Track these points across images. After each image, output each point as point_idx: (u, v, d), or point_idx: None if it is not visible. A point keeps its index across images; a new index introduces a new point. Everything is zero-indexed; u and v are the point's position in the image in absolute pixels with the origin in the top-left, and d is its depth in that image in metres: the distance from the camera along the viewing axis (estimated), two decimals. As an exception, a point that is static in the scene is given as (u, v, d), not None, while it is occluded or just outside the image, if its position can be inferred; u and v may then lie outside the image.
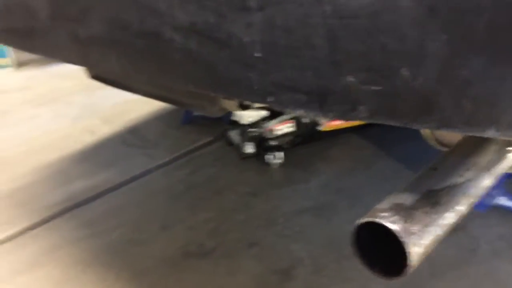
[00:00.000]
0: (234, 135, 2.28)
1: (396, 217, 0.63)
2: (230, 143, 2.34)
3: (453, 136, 0.88)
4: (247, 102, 1.13)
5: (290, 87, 0.70)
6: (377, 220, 0.63)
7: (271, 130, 2.18)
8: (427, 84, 0.59)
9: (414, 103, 0.61)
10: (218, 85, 0.78)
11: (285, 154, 2.22)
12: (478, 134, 0.59)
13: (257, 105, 1.16)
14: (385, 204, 0.67)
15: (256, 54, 0.70)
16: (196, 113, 2.71)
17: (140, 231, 1.83)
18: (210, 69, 0.77)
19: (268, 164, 2.19)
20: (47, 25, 1.02)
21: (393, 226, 0.62)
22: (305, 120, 2.24)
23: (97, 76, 1.52)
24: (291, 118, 2.21)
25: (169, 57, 0.81)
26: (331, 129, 2.33)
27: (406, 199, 0.67)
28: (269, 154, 2.18)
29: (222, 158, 2.32)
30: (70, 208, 2.00)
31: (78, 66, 1.08)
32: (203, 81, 0.80)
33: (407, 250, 0.61)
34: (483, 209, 1.75)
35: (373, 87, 0.63)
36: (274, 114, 2.20)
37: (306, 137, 2.28)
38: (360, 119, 0.66)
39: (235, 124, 2.28)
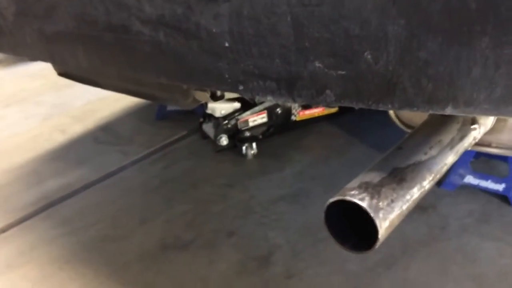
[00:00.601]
0: (208, 128, 2.29)
1: (364, 194, 0.66)
2: (205, 136, 2.36)
3: (417, 117, 0.92)
4: (219, 93, 1.14)
5: (260, 74, 0.72)
6: (347, 198, 0.66)
7: (244, 122, 2.20)
8: (389, 66, 0.62)
9: (377, 85, 0.64)
10: (189, 76, 0.80)
11: (259, 145, 2.25)
12: (438, 112, 0.63)
13: (229, 95, 1.18)
14: (354, 183, 0.70)
15: (225, 44, 0.72)
16: (170, 108, 2.71)
17: (117, 227, 1.83)
18: (180, 61, 0.78)
19: (243, 156, 2.22)
20: (13, 23, 1.02)
21: (362, 202, 0.65)
22: (278, 110, 2.26)
23: (65, 73, 1.51)
24: (264, 109, 2.24)
25: (138, 50, 0.82)
26: (305, 118, 2.37)
27: (374, 177, 0.70)
28: (244, 145, 2.20)
29: (197, 152, 2.33)
30: (45, 207, 1.98)
31: (45, 62, 1.07)
32: (174, 73, 0.81)
33: (376, 225, 0.64)
34: (452, 188, 1.82)
35: (339, 72, 0.65)
36: (247, 106, 2.22)
37: (280, 127, 2.31)
38: (327, 103, 0.69)
39: (209, 117, 2.30)
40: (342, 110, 2.41)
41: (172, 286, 1.53)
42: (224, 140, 2.19)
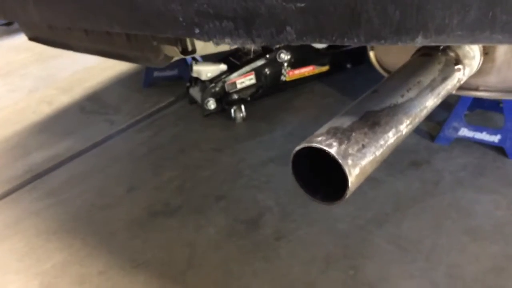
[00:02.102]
0: (195, 92, 2.22)
1: (332, 140, 0.61)
2: (192, 101, 2.29)
3: (400, 62, 0.86)
4: (190, 47, 1.08)
5: (215, 14, 0.65)
6: (313, 144, 0.61)
7: (232, 84, 2.14)
8: (351, -7, 0.55)
9: (340, 17, 0.57)
10: (143, 22, 0.73)
11: (249, 107, 2.18)
12: (408, 44, 0.56)
13: (202, 50, 1.11)
14: (323, 129, 0.64)
15: (175, -18, 0.65)
16: (157, 75, 2.64)
17: (105, 195, 1.79)
18: (132, 5, 0.71)
19: (232, 119, 2.16)
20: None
21: (329, 148, 0.59)
22: (267, 71, 2.19)
23: (35, 37, 1.44)
24: (252, 70, 2.16)
25: (88, -3, 0.75)
26: (294, 78, 2.29)
27: (344, 122, 0.65)
28: (232, 108, 2.13)
29: (185, 117, 2.27)
30: (31, 179, 1.94)
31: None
32: (126, 20, 0.75)
33: (345, 172, 0.59)
34: (447, 142, 1.76)
35: (298, 4, 0.59)
36: (234, 68, 2.15)
37: (269, 88, 2.24)
38: (289, 41, 0.62)
39: (196, 81, 2.23)
40: (333, 69, 2.34)
41: (160, 252, 1.50)
42: (211, 104, 2.12)
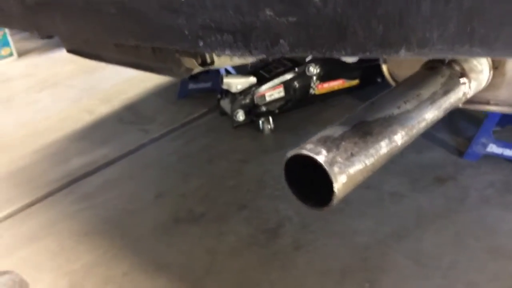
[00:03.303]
0: (225, 104, 2.28)
1: (321, 148, 0.63)
2: (223, 113, 2.35)
3: (409, 73, 0.87)
4: (209, 59, 1.13)
5: (216, 28, 0.69)
6: (303, 152, 0.63)
7: (261, 96, 2.18)
8: (337, 8, 0.58)
9: (328, 30, 0.60)
10: (154, 35, 0.78)
11: (277, 120, 2.22)
12: (392, 56, 0.58)
13: (220, 63, 1.16)
14: (314, 137, 0.67)
15: (181, -2, 0.70)
16: (191, 87, 2.73)
17: (134, 201, 1.87)
18: (144, 20, 0.77)
19: (260, 131, 2.20)
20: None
21: (317, 156, 0.62)
22: (296, 84, 2.22)
23: (72, 49, 1.54)
24: (281, 83, 2.20)
25: (105, 12, 0.81)
26: (324, 92, 2.31)
27: (335, 131, 0.67)
28: (260, 120, 2.17)
29: (216, 128, 2.33)
30: (68, 184, 2.05)
31: (31, 32, 1.09)
32: (140, 33, 0.80)
33: (331, 178, 0.61)
34: (475, 158, 1.73)
35: (290, 19, 0.62)
36: (263, 80, 2.19)
37: (298, 101, 2.27)
38: (283, 53, 0.66)
39: (226, 93, 2.29)
40: (364, 83, 2.34)
41: (182, 257, 1.54)
42: (240, 116, 2.17)
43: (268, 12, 0.63)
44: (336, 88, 2.31)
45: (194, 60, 1.10)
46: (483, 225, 1.46)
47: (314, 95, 2.28)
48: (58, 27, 0.94)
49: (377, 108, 0.72)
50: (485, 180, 1.64)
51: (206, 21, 0.70)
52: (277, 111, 2.21)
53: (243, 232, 1.61)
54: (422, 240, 1.44)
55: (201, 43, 0.73)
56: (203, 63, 1.13)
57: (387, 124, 0.69)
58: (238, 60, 1.20)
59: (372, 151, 0.66)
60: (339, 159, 0.63)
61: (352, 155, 0.64)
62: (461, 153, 1.78)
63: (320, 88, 2.27)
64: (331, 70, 2.26)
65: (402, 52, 0.57)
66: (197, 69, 1.18)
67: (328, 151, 0.63)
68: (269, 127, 2.18)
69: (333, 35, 0.60)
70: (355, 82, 2.33)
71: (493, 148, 1.68)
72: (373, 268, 1.38)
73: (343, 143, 0.64)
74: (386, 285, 1.31)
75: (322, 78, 2.26)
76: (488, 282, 1.27)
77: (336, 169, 0.62)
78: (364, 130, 0.67)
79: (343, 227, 1.54)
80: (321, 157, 0.62)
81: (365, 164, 0.65)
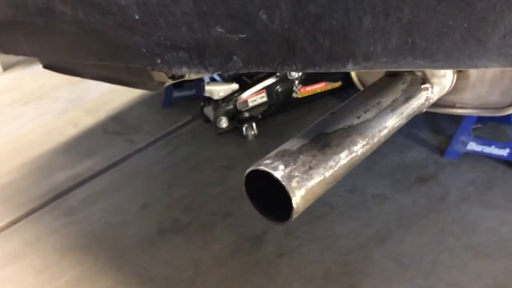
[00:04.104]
0: (208, 111, 2.28)
1: (278, 163, 0.63)
2: (207, 120, 2.35)
3: (377, 78, 0.87)
4: (177, 73, 1.13)
5: (172, 45, 0.70)
6: (260, 167, 0.64)
7: (243, 102, 2.18)
8: (284, 24, 0.58)
9: (278, 46, 0.61)
10: (114, 54, 0.78)
11: (261, 125, 2.22)
12: (340, 70, 0.59)
13: (192, 76, 1.16)
14: (272, 153, 0.67)
15: (135, 17, 0.70)
16: (176, 95, 2.73)
17: (119, 213, 1.86)
18: (103, 39, 0.77)
19: (244, 137, 2.20)
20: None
21: (274, 171, 0.62)
22: (278, 88, 2.23)
23: (48, 65, 1.53)
24: (263, 88, 2.20)
25: (66, 32, 0.81)
26: (306, 95, 2.32)
27: (294, 145, 0.67)
28: (244, 126, 2.18)
29: (200, 136, 2.33)
30: (52, 199, 2.04)
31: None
32: (100, 52, 0.80)
33: (288, 193, 0.61)
34: (456, 157, 1.74)
35: (240, 35, 0.62)
36: (245, 86, 2.20)
37: (281, 105, 2.27)
38: (236, 69, 0.66)
39: (209, 100, 2.29)
40: (346, 84, 2.34)
41: (166, 269, 1.54)
42: (224, 123, 2.17)
43: (219, 29, 0.63)
44: (318, 90, 2.32)
45: (164, 74, 1.10)
46: (463, 224, 1.47)
47: (297, 98, 2.29)
48: (21, 47, 0.94)
49: (336, 119, 0.72)
50: (466, 178, 1.64)
51: (161, 39, 0.70)
52: (260, 116, 2.21)
53: (227, 240, 1.61)
54: (404, 241, 1.45)
55: (158, 61, 0.73)
56: (174, 76, 1.13)
57: (346, 135, 0.70)
58: (201, 74, 1.20)
59: (331, 163, 0.66)
60: (296, 173, 0.63)
61: (310, 168, 0.64)
62: (442, 152, 1.79)
63: (302, 91, 2.28)
64: (313, 73, 2.27)
65: (350, 66, 0.57)
66: (169, 82, 1.18)
67: (286, 165, 0.63)
68: (252, 132, 2.18)
69: (283, 51, 0.61)
70: (337, 84, 2.33)
71: (473, 146, 1.69)
72: (356, 272, 1.38)
73: (301, 156, 0.65)
74: (369, 288, 1.32)
75: (305, 81, 2.26)
76: (470, 281, 1.27)
77: (294, 183, 0.62)
78: (323, 142, 0.67)
79: (327, 232, 1.55)
80: (278, 172, 0.62)
81: (324, 176, 0.65)
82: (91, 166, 2.25)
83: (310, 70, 0.61)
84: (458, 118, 1.80)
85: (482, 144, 1.66)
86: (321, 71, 0.60)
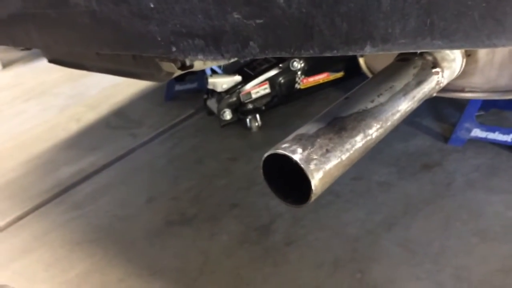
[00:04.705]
0: (212, 104, 2.29)
1: (296, 146, 0.64)
2: (210, 113, 2.36)
3: (385, 65, 0.88)
4: (188, 62, 1.13)
5: (187, 33, 0.70)
6: (279, 151, 0.64)
7: (247, 94, 2.19)
8: (301, 9, 0.59)
9: (295, 31, 0.61)
10: (128, 43, 0.79)
11: (264, 116, 2.23)
12: (358, 53, 0.59)
13: (199, 66, 1.17)
14: (290, 136, 0.68)
15: (150, 5, 0.71)
16: (178, 88, 2.73)
17: (126, 206, 1.87)
18: (116, 28, 0.78)
19: (248, 128, 2.21)
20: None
21: (292, 154, 0.63)
22: (281, 80, 2.23)
23: (54, 59, 1.53)
24: (266, 80, 2.21)
25: (79, 23, 0.82)
26: (309, 86, 2.32)
27: (310, 129, 0.68)
28: (247, 118, 2.18)
29: (204, 128, 2.34)
30: (58, 193, 2.05)
31: (6, 45, 1.09)
32: (114, 42, 0.81)
33: (307, 175, 0.62)
34: (460, 143, 1.75)
35: (257, 21, 0.63)
36: (248, 78, 2.20)
37: (284, 97, 2.28)
38: (254, 55, 0.66)
39: (212, 93, 2.29)
40: (348, 75, 2.35)
41: (176, 260, 1.55)
42: (227, 115, 2.18)
43: (236, 15, 0.64)
44: (321, 81, 2.32)
45: (173, 65, 1.11)
46: (469, 209, 1.48)
47: (300, 89, 2.29)
48: (33, 39, 0.94)
49: (351, 103, 0.73)
50: (470, 165, 1.66)
51: (176, 27, 0.71)
52: (263, 107, 2.22)
53: (235, 230, 1.62)
54: (411, 227, 1.46)
55: (173, 49, 0.74)
56: (183, 66, 1.13)
57: (361, 118, 0.71)
58: (217, 62, 1.21)
59: (347, 146, 0.67)
60: (314, 156, 0.64)
61: (327, 151, 0.65)
62: (446, 139, 1.80)
63: (305, 82, 2.29)
64: (315, 64, 2.27)
65: (368, 49, 0.58)
66: (177, 72, 1.18)
67: (304, 148, 0.64)
68: (256, 124, 2.19)
69: (300, 35, 0.61)
70: (340, 74, 2.34)
71: (477, 133, 1.70)
72: (364, 258, 1.39)
73: (318, 140, 0.65)
74: (377, 273, 1.33)
75: (307, 72, 2.27)
76: (477, 265, 1.29)
77: (312, 166, 0.63)
78: (339, 126, 0.68)
79: (334, 220, 1.56)
80: (297, 155, 0.63)
81: (341, 159, 0.66)
82: (95, 160, 2.26)
83: (327, 54, 0.61)
84: (462, 105, 1.81)
85: (486, 131, 1.67)
86: (339, 54, 0.60)
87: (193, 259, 1.53)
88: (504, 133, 1.64)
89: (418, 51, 0.86)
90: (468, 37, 0.53)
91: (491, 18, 0.51)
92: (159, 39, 0.74)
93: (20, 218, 1.93)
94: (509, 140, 1.63)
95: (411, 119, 1.97)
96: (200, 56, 0.71)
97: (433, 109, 2.01)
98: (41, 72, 3.74)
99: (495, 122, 1.78)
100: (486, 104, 1.77)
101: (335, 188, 1.68)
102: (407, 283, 1.28)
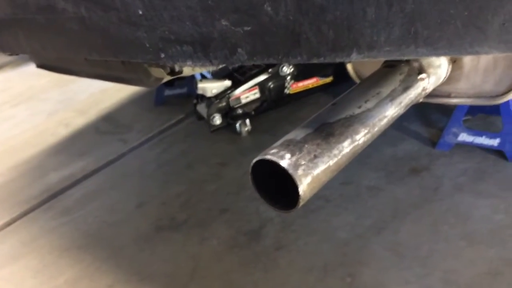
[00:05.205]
0: (201, 108, 2.29)
1: (284, 152, 0.65)
2: (200, 118, 2.35)
3: (373, 70, 0.89)
4: (177, 68, 1.14)
5: (176, 40, 0.71)
6: (267, 157, 0.65)
7: (236, 99, 2.19)
8: (289, 16, 0.60)
9: (283, 38, 0.62)
10: (116, 49, 0.79)
11: (254, 121, 2.24)
12: (344, 60, 0.60)
13: (189, 71, 1.17)
14: (278, 142, 0.69)
15: (139, 12, 0.71)
16: (167, 93, 2.73)
17: (115, 212, 1.86)
18: (105, 34, 0.78)
19: (238, 133, 2.21)
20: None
21: (280, 160, 0.64)
22: (270, 85, 2.24)
23: (42, 65, 1.53)
24: (256, 85, 2.22)
25: (68, 28, 0.82)
26: (298, 90, 2.34)
27: (298, 134, 0.69)
28: (237, 123, 2.19)
29: (193, 133, 2.34)
30: (47, 199, 2.03)
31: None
32: (102, 48, 0.81)
33: (295, 181, 0.63)
34: (447, 148, 1.77)
35: (245, 28, 0.64)
36: (238, 83, 2.21)
37: (274, 101, 2.29)
38: (242, 61, 0.67)
39: (202, 98, 2.29)
40: (337, 80, 2.37)
41: (165, 266, 1.55)
42: (217, 120, 2.18)
43: (224, 22, 0.65)
44: (310, 86, 2.34)
45: (162, 70, 1.11)
46: (457, 213, 1.50)
47: (289, 94, 2.30)
48: (22, 45, 0.94)
49: (338, 109, 0.74)
50: (458, 169, 1.68)
51: (165, 33, 0.71)
52: (253, 112, 2.23)
53: (225, 235, 1.62)
54: (400, 231, 1.48)
55: (162, 55, 0.74)
56: (172, 72, 1.14)
57: (349, 124, 0.71)
58: (206, 67, 1.21)
59: (335, 151, 0.68)
60: (302, 161, 0.64)
61: (315, 157, 0.65)
62: (434, 144, 1.82)
63: (294, 87, 2.30)
64: (304, 69, 2.29)
65: (354, 56, 0.59)
66: (166, 78, 1.19)
67: (292, 154, 0.64)
68: (246, 129, 2.20)
69: (288, 42, 0.62)
70: (329, 79, 2.35)
71: (464, 137, 1.72)
72: (354, 262, 1.40)
73: (306, 145, 0.66)
74: (367, 277, 1.34)
75: (296, 77, 2.28)
76: (465, 268, 1.30)
77: (300, 171, 0.63)
78: (327, 132, 0.69)
79: (323, 224, 1.57)
80: (285, 161, 0.64)
81: (329, 164, 0.67)
82: (84, 166, 2.24)
83: (314, 61, 0.62)
84: (449, 111, 1.83)
85: (473, 135, 1.70)
86: (326, 61, 0.61)
87: (183, 264, 1.53)
88: (490, 138, 1.66)
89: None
90: (452, 45, 0.54)
91: (473, 26, 0.52)
92: (148, 45, 0.74)
93: (8, 224, 1.92)
94: (495, 144, 1.66)
95: (399, 124, 1.99)
96: (188, 62, 0.72)
97: (421, 114, 2.03)
98: (29, 77, 3.71)
99: (482, 127, 1.80)
100: (473, 109, 1.79)
101: (324, 193, 1.69)
102: (396, 286, 1.29)
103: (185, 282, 1.46)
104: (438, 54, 0.55)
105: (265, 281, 1.41)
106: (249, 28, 0.63)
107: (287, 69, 2.22)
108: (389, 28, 0.55)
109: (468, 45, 0.54)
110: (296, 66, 2.25)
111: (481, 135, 1.68)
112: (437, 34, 0.53)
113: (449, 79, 0.93)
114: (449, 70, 0.92)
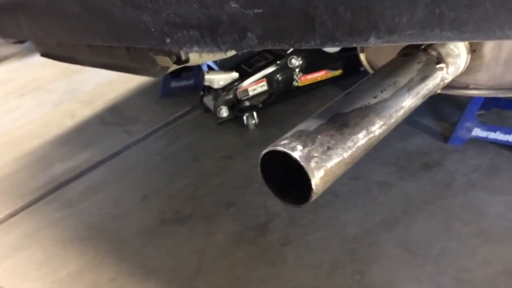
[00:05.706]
0: (208, 101, 2.25)
1: (296, 143, 0.61)
2: (207, 110, 2.32)
3: (387, 60, 0.85)
4: (183, 56, 1.10)
5: (182, 23, 0.67)
6: (278, 148, 0.61)
7: (243, 91, 2.15)
8: (303, -3, 0.56)
9: (296, 21, 0.58)
10: (120, 34, 0.76)
11: (262, 114, 2.20)
12: (362, 44, 0.56)
13: (195, 60, 1.13)
14: (289, 133, 0.65)
15: (143, -6, 0.67)
16: (174, 85, 2.69)
17: (120, 204, 1.84)
18: (108, 18, 0.74)
19: (245, 126, 2.17)
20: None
21: (292, 151, 0.60)
22: (278, 77, 2.20)
23: (46, 53, 1.50)
24: (263, 77, 2.17)
25: (70, 13, 0.78)
26: (307, 83, 2.29)
27: (311, 125, 0.65)
28: (244, 115, 2.15)
29: (200, 126, 2.30)
30: (51, 191, 2.01)
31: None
32: (106, 33, 0.77)
33: (307, 173, 0.59)
34: (460, 143, 1.72)
35: (255, 10, 0.60)
36: (246, 75, 2.17)
37: (282, 94, 2.25)
38: (252, 46, 0.63)
39: (209, 90, 2.26)
40: (347, 73, 2.32)
41: (170, 259, 1.52)
42: (224, 112, 2.15)
43: (233, 4, 0.61)
44: (319, 79, 2.29)
45: (168, 58, 1.07)
46: (470, 209, 1.45)
47: (298, 87, 2.26)
48: (23, 30, 0.91)
49: (353, 98, 0.70)
50: (471, 164, 1.63)
51: (171, 17, 0.67)
52: (261, 105, 2.19)
53: (231, 230, 1.59)
54: (411, 228, 1.43)
55: (168, 40, 0.70)
56: (178, 60, 1.10)
57: (364, 115, 0.67)
58: (213, 56, 1.17)
59: (349, 143, 0.64)
60: (315, 153, 0.60)
61: (328, 148, 0.61)
62: (446, 139, 1.77)
63: (303, 80, 2.25)
64: (313, 61, 2.24)
65: (372, 40, 0.55)
66: (172, 67, 1.15)
67: (304, 145, 0.61)
68: (253, 121, 2.16)
69: (301, 26, 0.58)
70: (338, 72, 2.31)
71: (477, 132, 1.67)
72: (363, 259, 1.37)
73: (319, 136, 0.62)
74: (377, 275, 1.30)
75: (305, 69, 2.24)
76: (479, 267, 1.26)
77: (313, 164, 0.59)
78: (341, 122, 0.65)
79: (332, 220, 1.53)
80: (297, 153, 0.60)
81: (343, 157, 0.63)
82: (89, 157, 2.22)
83: (329, 46, 0.58)
84: (462, 104, 1.78)
85: (487, 130, 1.65)
86: (341, 46, 0.57)
87: (188, 259, 1.50)
88: (505, 133, 1.61)
89: (423, 46, 0.83)
90: (480, 29, 0.50)
91: (504, 8, 0.48)
92: (153, 29, 0.70)
93: (11, 215, 1.90)
94: (510, 139, 1.61)
95: (410, 118, 1.92)
96: (195, 48, 0.68)
97: (433, 108, 1.98)
98: (35, 67, 3.69)
99: (496, 122, 1.75)
100: (487, 103, 1.74)
101: (333, 188, 1.64)
102: (407, 285, 1.25)
103: (190, 277, 1.43)
104: (464, 39, 0.50)
105: (272, 277, 1.37)
106: (260, 11, 0.59)
107: (295, 61, 2.18)
108: (411, 9, 0.51)
109: (497, 28, 0.49)
110: (305, 58, 2.21)
111: (495, 130, 1.64)
112: (464, 16, 0.49)
113: (468, 70, 0.88)
114: (468, 60, 0.88)
